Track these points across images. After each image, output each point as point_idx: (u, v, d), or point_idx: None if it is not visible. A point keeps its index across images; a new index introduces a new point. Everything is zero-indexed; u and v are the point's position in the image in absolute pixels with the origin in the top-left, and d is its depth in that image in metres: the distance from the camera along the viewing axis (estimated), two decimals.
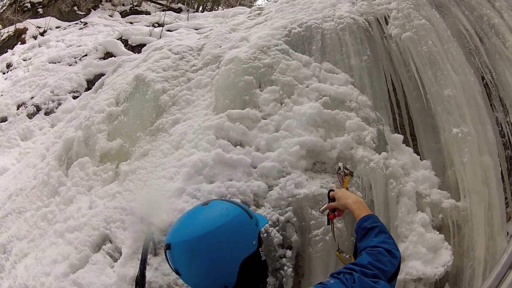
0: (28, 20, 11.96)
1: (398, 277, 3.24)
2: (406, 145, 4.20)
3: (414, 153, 4.15)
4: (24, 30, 11.46)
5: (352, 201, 2.78)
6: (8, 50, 11.00)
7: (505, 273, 2.76)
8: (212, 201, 2.01)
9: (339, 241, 3.12)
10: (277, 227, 3.38)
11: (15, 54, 10.48)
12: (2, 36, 11.90)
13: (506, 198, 4.11)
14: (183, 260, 1.82)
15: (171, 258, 1.87)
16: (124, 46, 8.60)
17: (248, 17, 6.40)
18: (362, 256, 2.15)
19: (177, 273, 1.86)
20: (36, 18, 12.21)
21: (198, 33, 6.88)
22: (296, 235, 3.38)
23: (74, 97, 7.70)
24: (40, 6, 13.37)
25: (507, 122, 4.44)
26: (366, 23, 4.85)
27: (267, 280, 1.98)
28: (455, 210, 3.81)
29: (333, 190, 3.08)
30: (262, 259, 1.92)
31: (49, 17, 11.84)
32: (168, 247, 1.85)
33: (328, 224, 3.16)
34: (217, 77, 4.60)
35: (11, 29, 11.97)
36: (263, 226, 2.10)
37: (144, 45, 8.14)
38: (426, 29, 4.55)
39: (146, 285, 2.22)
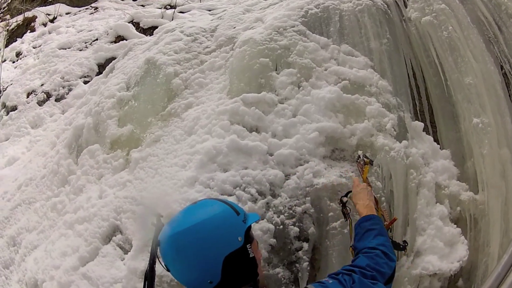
0: (37, 8, 11.85)
1: (414, 271, 3.34)
2: (426, 133, 4.09)
3: (434, 141, 4.04)
4: (34, 18, 11.32)
5: (361, 204, 2.75)
6: (18, 39, 10.91)
7: (505, 274, 2.69)
8: (200, 200, 2.05)
9: None
10: (293, 219, 3.26)
11: (24, 43, 10.38)
12: (11, 25, 11.81)
13: None
14: (170, 254, 1.82)
15: (161, 255, 1.87)
16: (136, 29, 8.44)
17: None
18: (360, 258, 2.18)
19: (168, 269, 1.86)
20: (45, 6, 12.11)
21: (211, 14, 6.69)
22: (313, 227, 3.28)
23: (85, 82, 7.58)
24: None
25: None
26: (385, 5, 4.68)
27: (259, 279, 1.91)
28: (473, 204, 3.73)
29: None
30: (250, 256, 1.85)
31: (58, 3, 11.73)
32: (158, 244, 1.86)
33: (345, 219, 3.04)
34: (231, 59, 4.46)
35: (20, 18, 11.87)
36: (259, 220, 2.10)
37: (156, 27, 7.97)
38: (446, 14, 4.41)
39: (156, 279, 2.15)
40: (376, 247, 2.25)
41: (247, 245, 1.84)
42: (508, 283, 2.61)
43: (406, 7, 4.70)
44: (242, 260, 1.81)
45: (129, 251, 3.40)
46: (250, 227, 1.89)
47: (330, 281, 1.89)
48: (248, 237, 1.86)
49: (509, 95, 4.24)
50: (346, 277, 1.92)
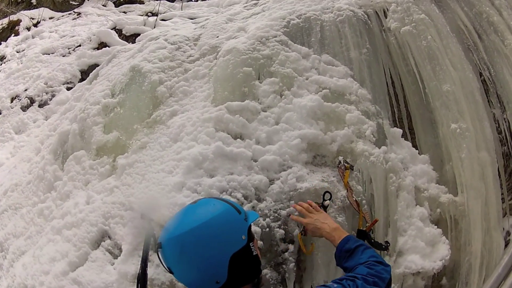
0: (21, 11, 11.73)
1: (397, 270, 3.45)
2: (405, 139, 4.21)
3: (413, 147, 4.17)
4: (18, 22, 11.18)
5: (327, 231, 2.69)
6: (2, 42, 10.75)
7: (505, 275, 2.85)
8: (200, 200, 2.05)
9: None
10: (279, 221, 3.35)
11: (8, 46, 10.21)
12: None
13: (502, 194, 4.19)
14: (173, 257, 1.84)
15: (163, 257, 1.89)
16: (118, 36, 8.44)
17: (244, 7, 6.29)
18: (359, 268, 2.22)
19: (170, 271, 1.88)
20: (30, 10, 12.02)
21: (193, 23, 6.73)
22: (298, 229, 3.34)
23: (68, 88, 7.54)
24: None
25: (504, 119, 4.49)
26: (365, 15, 4.80)
27: (261, 276, 1.98)
28: (452, 205, 3.88)
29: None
30: (254, 254, 1.91)
31: (42, 8, 11.65)
32: (159, 246, 1.88)
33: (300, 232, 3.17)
34: (215, 68, 4.51)
35: (5, 21, 11.70)
36: (254, 221, 2.14)
37: (138, 34, 8.02)
38: (426, 24, 4.54)
39: (148, 283, 2.20)
40: (368, 260, 2.29)
41: (250, 243, 1.89)
42: (508, 284, 2.78)
43: (386, 17, 4.81)
44: (247, 258, 1.86)
45: (119, 255, 3.43)
46: (250, 225, 1.93)
47: (335, 285, 1.95)
48: (250, 235, 1.91)
49: (488, 101, 4.43)
50: (350, 282, 1.99)
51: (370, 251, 2.41)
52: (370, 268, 2.18)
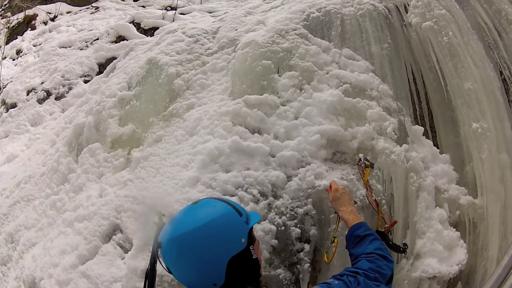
0: (38, 6, 11.82)
1: (414, 274, 3.37)
2: (426, 137, 4.11)
3: (434, 146, 4.06)
4: (34, 17, 11.29)
5: (344, 211, 2.83)
6: (18, 36, 10.85)
7: (505, 276, 2.72)
8: (202, 200, 2.00)
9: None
10: (295, 220, 3.26)
11: (25, 40, 10.32)
12: (11, 23, 11.79)
13: None
14: (172, 257, 1.82)
15: (162, 257, 1.87)
16: (137, 29, 8.42)
17: (264, 0, 6.22)
18: (361, 261, 2.25)
19: (169, 271, 1.86)
20: (46, 4, 12.09)
21: (212, 16, 6.68)
22: (315, 229, 3.27)
23: (85, 81, 7.56)
24: None
25: None
26: (386, 10, 4.68)
27: (261, 279, 1.93)
28: (472, 208, 3.76)
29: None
30: (253, 257, 1.86)
31: (59, 2, 11.69)
32: (159, 246, 1.85)
33: (335, 212, 3.11)
34: (233, 61, 4.44)
35: (21, 16, 11.84)
36: (256, 223, 2.08)
37: (157, 28, 8.00)
38: (447, 20, 4.41)
39: (157, 278, 2.17)
40: (373, 252, 2.31)
41: (250, 247, 1.83)
42: (509, 285, 2.64)
43: (407, 12, 4.70)
44: (245, 262, 1.81)
45: (129, 250, 3.38)
46: (252, 227, 1.87)
47: (336, 282, 1.95)
48: (251, 238, 1.86)
49: (509, 101, 4.25)
50: (351, 278, 1.98)
51: (377, 243, 2.44)
52: (372, 262, 2.20)
